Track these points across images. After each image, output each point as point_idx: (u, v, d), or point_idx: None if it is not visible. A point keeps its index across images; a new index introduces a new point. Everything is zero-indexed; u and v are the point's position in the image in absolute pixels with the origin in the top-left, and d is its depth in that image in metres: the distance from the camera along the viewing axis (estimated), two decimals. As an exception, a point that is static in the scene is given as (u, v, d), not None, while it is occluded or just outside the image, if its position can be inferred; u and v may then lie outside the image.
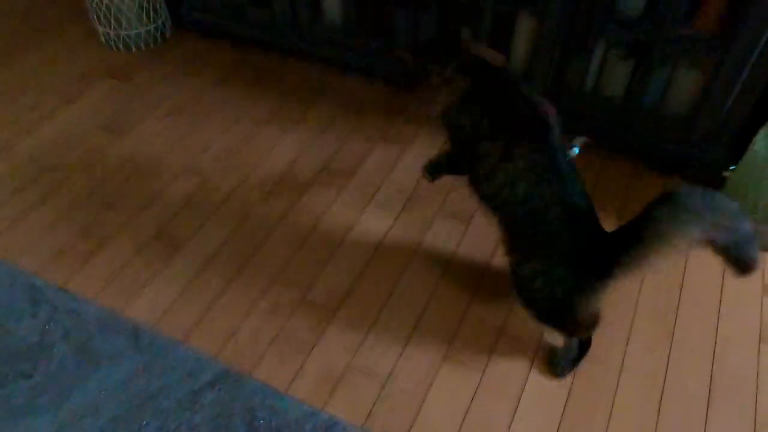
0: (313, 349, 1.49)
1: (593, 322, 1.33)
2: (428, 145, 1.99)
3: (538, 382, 1.43)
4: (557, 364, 1.43)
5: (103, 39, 2.38)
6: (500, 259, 1.62)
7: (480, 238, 1.72)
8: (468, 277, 1.64)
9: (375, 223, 1.77)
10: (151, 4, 2.31)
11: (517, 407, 1.39)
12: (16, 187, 1.88)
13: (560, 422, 1.37)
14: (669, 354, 1.49)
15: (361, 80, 2.25)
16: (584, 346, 1.45)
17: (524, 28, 1.86)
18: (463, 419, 1.37)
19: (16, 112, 2.13)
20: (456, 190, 1.84)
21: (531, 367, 1.46)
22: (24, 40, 2.45)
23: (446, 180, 1.64)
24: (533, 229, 1.26)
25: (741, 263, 1.08)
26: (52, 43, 2.44)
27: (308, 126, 2.08)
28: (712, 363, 1.48)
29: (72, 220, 1.78)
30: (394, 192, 1.86)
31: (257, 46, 2.40)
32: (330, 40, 2.15)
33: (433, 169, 1.50)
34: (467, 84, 1.31)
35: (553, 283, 1.25)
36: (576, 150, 1.74)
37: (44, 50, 2.40)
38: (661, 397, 1.42)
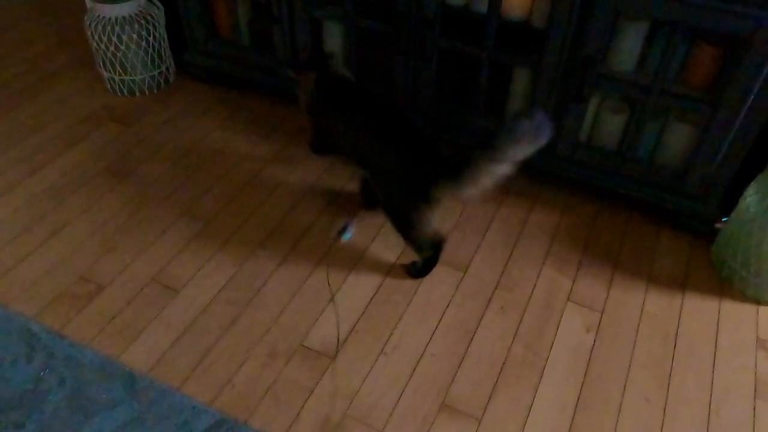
0: (310, 396, 1.49)
1: (433, 239, 1.67)
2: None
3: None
4: (412, 270, 1.77)
5: (108, 84, 2.43)
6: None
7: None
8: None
9: (386, 254, 1.80)
10: (156, 50, 2.36)
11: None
12: (16, 230, 1.89)
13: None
14: (665, 404, 1.49)
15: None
16: (430, 262, 1.74)
17: (521, 81, 1.92)
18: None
19: (20, 155, 2.16)
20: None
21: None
22: (32, 85, 2.50)
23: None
24: (384, 166, 1.62)
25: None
26: (59, 88, 2.49)
27: (313, 165, 2.12)
28: (708, 416, 1.48)
29: (71, 263, 1.80)
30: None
31: (258, 90, 2.46)
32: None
33: (315, 148, 2.04)
34: (313, 85, 1.81)
35: (401, 204, 1.62)
36: (348, 236, 1.87)
37: (51, 95, 2.44)
38: (658, 451, 1.42)
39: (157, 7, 2.35)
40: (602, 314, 1.68)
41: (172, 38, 2.48)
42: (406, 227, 1.65)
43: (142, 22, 2.29)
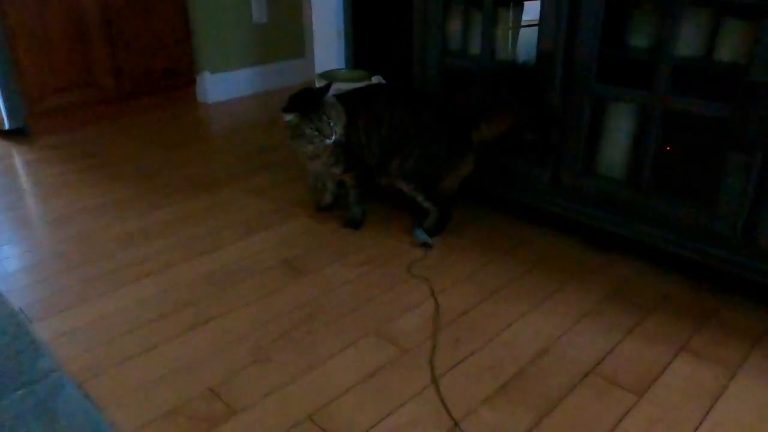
0: None
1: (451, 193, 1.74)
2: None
3: None
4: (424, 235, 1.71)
5: (310, 179, 2.04)
6: None
7: None
8: None
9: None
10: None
11: None
12: (151, 315, 1.40)
13: None
14: None
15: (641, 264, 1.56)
16: (446, 216, 1.76)
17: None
18: None
19: (198, 237, 1.76)
20: None
21: None
22: (236, 175, 2.22)
23: None
24: (424, 131, 1.68)
25: None
26: (261, 177, 2.17)
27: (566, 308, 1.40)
28: None
29: (203, 369, 1.21)
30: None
31: (491, 201, 1.89)
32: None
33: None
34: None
35: (443, 158, 1.69)
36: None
37: (250, 184, 2.12)
38: None
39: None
40: None
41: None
42: (436, 183, 1.71)
43: (369, 109, 1.92)
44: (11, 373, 1.14)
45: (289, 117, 1.60)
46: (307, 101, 1.62)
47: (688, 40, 1.35)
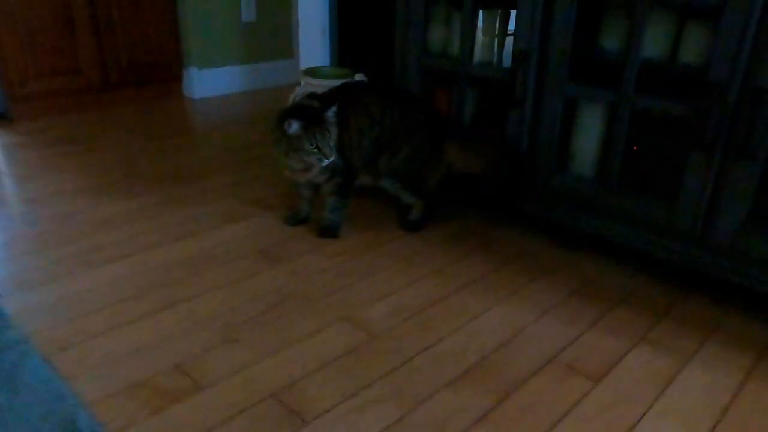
0: None
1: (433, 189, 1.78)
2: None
3: None
4: (411, 225, 1.80)
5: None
6: None
7: None
8: None
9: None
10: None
11: None
12: (126, 293, 1.41)
13: None
14: None
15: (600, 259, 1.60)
16: (430, 210, 1.81)
17: None
18: None
19: (177, 224, 1.77)
20: None
21: None
22: (217, 168, 2.24)
23: None
24: (413, 131, 1.70)
25: None
26: (244, 170, 2.19)
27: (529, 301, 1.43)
28: None
29: (171, 346, 1.23)
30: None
31: (471, 201, 1.92)
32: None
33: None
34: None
35: (425, 156, 1.74)
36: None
37: (232, 176, 2.14)
38: None
39: (369, 96, 2.03)
40: None
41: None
42: (421, 180, 1.75)
43: (350, 104, 1.95)
44: (-23, 342, 1.15)
45: (294, 127, 1.53)
46: (312, 115, 1.56)
47: (654, 42, 1.40)
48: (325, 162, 1.58)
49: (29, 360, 1.12)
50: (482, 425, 1.05)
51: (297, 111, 1.57)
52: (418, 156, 1.71)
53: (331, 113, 1.57)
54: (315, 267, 1.56)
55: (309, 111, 1.57)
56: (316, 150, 1.55)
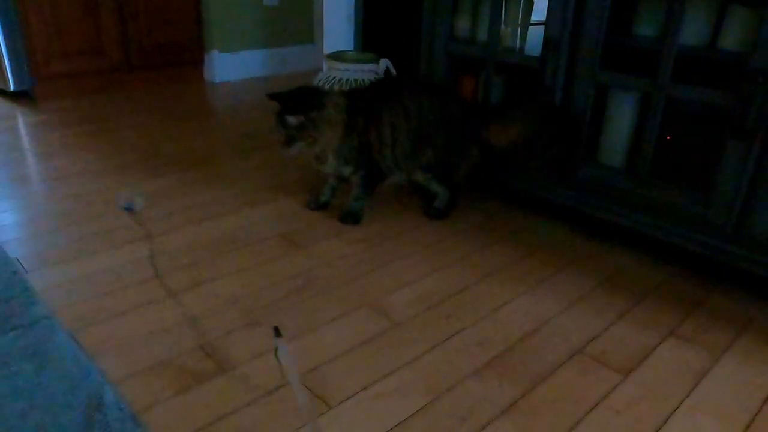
0: None
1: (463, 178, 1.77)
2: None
3: None
4: (436, 212, 1.77)
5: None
6: None
7: None
8: None
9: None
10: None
11: None
12: (148, 273, 1.40)
13: None
14: None
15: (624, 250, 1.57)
16: (456, 198, 1.79)
17: None
18: None
19: (198, 206, 1.76)
20: None
21: None
22: (239, 151, 2.23)
23: None
24: (448, 123, 1.70)
25: None
26: (264, 154, 2.18)
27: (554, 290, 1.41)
28: None
29: (195, 329, 1.22)
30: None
31: (493, 189, 1.90)
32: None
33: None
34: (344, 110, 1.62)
35: (459, 147, 1.72)
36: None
37: (252, 160, 2.13)
38: None
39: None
40: None
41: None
42: (452, 171, 1.74)
43: (374, 89, 1.93)
44: (3, 316, 1.15)
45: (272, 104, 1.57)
46: (296, 98, 1.57)
47: (693, 29, 1.36)
48: (285, 153, 1.58)
49: (56, 335, 1.12)
50: (508, 416, 1.04)
51: (288, 93, 1.58)
52: (452, 147, 1.70)
53: (331, 105, 1.55)
54: (337, 253, 1.55)
55: (298, 96, 1.57)
56: (289, 132, 1.55)
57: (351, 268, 1.48)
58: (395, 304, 1.34)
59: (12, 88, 2.58)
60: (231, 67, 3.22)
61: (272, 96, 1.57)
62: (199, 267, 1.44)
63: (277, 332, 0.94)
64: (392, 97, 1.67)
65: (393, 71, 2.04)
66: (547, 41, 1.54)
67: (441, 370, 1.14)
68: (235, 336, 1.21)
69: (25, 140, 2.23)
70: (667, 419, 1.03)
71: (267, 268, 1.46)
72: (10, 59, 2.52)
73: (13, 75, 2.55)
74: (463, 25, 1.85)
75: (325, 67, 2.06)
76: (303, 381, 1.09)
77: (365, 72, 1.97)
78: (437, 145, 1.68)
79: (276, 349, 0.94)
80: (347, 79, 1.94)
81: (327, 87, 1.96)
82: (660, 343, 1.23)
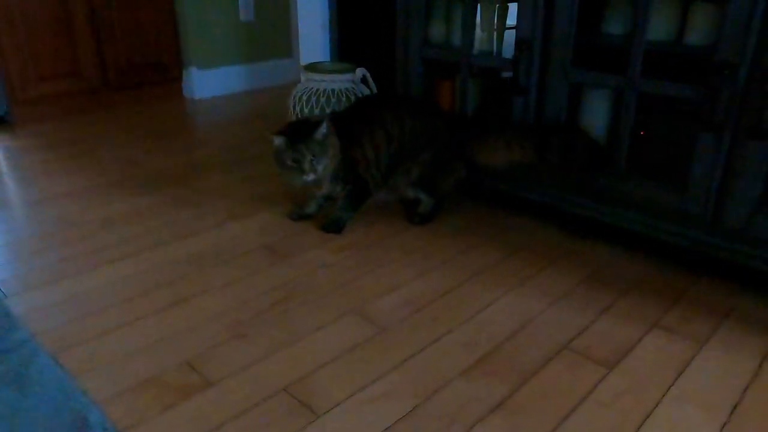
0: None
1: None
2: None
3: None
4: (419, 218, 1.77)
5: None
6: None
7: None
8: None
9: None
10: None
11: None
12: (133, 291, 1.40)
13: None
14: None
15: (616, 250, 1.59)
16: (440, 206, 1.80)
17: None
18: None
19: (182, 222, 1.76)
20: None
21: None
22: (221, 163, 2.23)
23: None
24: (432, 137, 1.71)
25: None
26: (246, 168, 2.18)
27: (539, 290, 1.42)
28: None
29: (180, 343, 1.21)
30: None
31: (470, 192, 1.91)
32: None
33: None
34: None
35: (446, 160, 1.74)
36: None
37: (234, 174, 2.13)
38: None
39: (370, 90, 2.01)
40: None
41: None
42: (438, 185, 1.75)
43: (352, 98, 1.94)
44: (-16, 342, 1.13)
45: (277, 141, 1.57)
46: (297, 130, 1.58)
47: (659, 25, 1.39)
48: (305, 178, 1.57)
49: (37, 359, 1.11)
50: (497, 413, 1.04)
51: (291, 124, 1.62)
52: (438, 164, 1.72)
53: (319, 133, 1.55)
54: (321, 261, 1.55)
55: (301, 125, 1.59)
56: (295, 165, 1.56)
57: (336, 275, 1.48)
58: (381, 310, 1.34)
59: (-11, 114, 2.56)
60: (210, 83, 3.23)
61: (279, 132, 1.57)
62: (184, 282, 1.44)
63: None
64: (374, 119, 1.68)
65: (370, 80, 2.05)
66: (519, 42, 1.56)
67: (428, 372, 1.14)
68: (221, 349, 1.20)
69: (4, 165, 2.21)
70: (652, 410, 1.04)
71: (252, 280, 1.46)
72: (-15, 85, 2.51)
73: (-11, 101, 2.54)
74: (437, 30, 1.86)
75: (302, 79, 2.07)
76: (289, 390, 1.09)
77: (342, 82, 1.98)
78: (423, 162, 1.70)
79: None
80: (324, 90, 1.95)
81: (298, 95, 1.98)
82: (644, 336, 1.24)
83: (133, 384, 1.10)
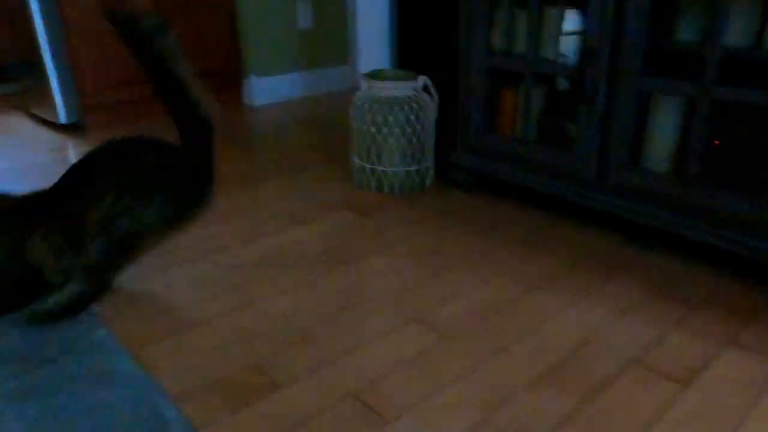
0: None
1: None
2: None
3: None
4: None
5: (356, 177, 2.08)
6: None
7: None
8: None
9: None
10: (419, 140, 1.98)
11: None
12: (203, 295, 1.44)
13: None
14: None
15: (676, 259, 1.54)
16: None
17: None
18: None
19: (245, 226, 1.80)
20: None
21: None
22: (277, 171, 2.28)
23: None
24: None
25: None
26: (305, 175, 2.22)
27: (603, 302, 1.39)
28: None
29: (248, 346, 1.24)
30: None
31: (538, 201, 1.88)
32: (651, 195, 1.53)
33: None
34: None
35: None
36: None
37: (295, 179, 2.17)
38: None
39: (432, 97, 2.02)
40: None
41: (439, 138, 2.11)
42: (126, 257, 1.35)
43: (414, 106, 1.95)
44: (69, 340, 1.19)
45: None
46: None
47: (736, 30, 1.34)
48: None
49: (117, 356, 1.16)
50: (566, 428, 1.02)
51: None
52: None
53: None
54: (383, 268, 1.56)
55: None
56: None
57: (398, 282, 1.49)
58: (443, 319, 1.34)
59: (63, 120, 2.69)
60: (268, 90, 3.30)
61: None
62: (250, 285, 1.48)
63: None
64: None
65: (432, 88, 2.05)
66: (586, 50, 1.54)
67: (494, 383, 1.14)
68: (289, 353, 1.22)
69: (78, 169, 2.31)
70: (737, 430, 1.01)
71: (316, 284, 1.48)
72: (60, 93, 2.64)
73: (63, 107, 2.67)
74: (499, 37, 1.85)
75: (364, 86, 2.09)
76: (357, 396, 1.10)
77: (405, 89, 1.99)
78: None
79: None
80: (387, 98, 1.96)
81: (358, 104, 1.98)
82: (719, 353, 1.20)
83: (205, 383, 1.13)
